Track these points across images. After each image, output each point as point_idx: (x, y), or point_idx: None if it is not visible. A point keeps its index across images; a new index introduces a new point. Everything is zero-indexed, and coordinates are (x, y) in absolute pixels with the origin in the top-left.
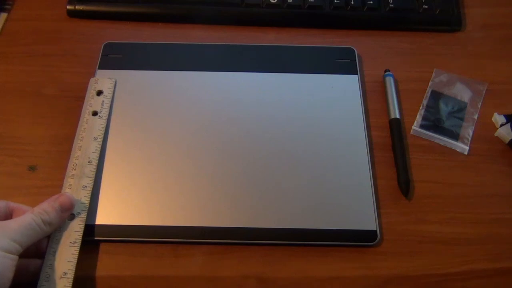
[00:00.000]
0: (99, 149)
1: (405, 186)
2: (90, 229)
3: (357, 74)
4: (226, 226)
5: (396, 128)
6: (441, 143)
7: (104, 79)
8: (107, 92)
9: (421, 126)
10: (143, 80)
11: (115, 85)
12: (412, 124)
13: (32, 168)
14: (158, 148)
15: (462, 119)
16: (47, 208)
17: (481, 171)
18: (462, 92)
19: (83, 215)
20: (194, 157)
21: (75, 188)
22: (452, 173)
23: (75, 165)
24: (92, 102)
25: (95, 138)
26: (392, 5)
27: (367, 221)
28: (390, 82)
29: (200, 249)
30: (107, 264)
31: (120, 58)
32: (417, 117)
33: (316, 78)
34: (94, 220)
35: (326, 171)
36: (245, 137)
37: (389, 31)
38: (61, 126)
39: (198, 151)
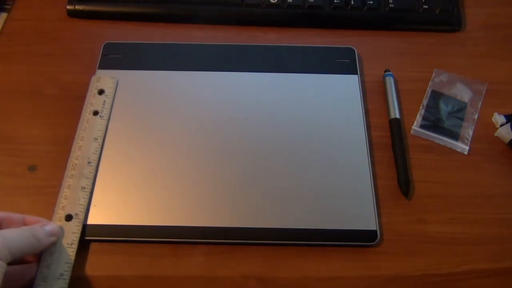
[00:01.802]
0: (99, 150)
1: (405, 186)
2: (90, 229)
3: (357, 74)
4: (226, 226)
5: (396, 128)
6: (441, 143)
7: (106, 78)
8: (109, 91)
9: (421, 126)
10: (143, 80)
11: (117, 84)
12: (412, 124)
13: (32, 168)
14: (158, 148)
15: (462, 119)
16: (37, 228)
17: (481, 171)
18: (462, 92)
19: (81, 217)
20: (194, 157)
21: (73, 189)
22: (452, 173)
23: (74, 165)
24: (93, 101)
25: (95, 139)
26: (392, 5)
27: (367, 221)
28: (390, 82)
29: (200, 249)
30: (107, 264)
31: (120, 58)
32: (417, 117)
33: (316, 78)
34: (95, 220)
35: (326, 171)
36: (245, 137)
37: (389, 31)
38: (61, 126)
39: (198, 151)
